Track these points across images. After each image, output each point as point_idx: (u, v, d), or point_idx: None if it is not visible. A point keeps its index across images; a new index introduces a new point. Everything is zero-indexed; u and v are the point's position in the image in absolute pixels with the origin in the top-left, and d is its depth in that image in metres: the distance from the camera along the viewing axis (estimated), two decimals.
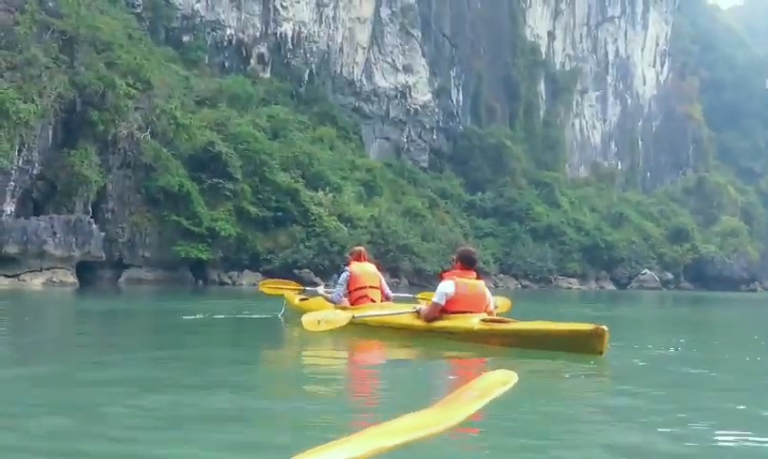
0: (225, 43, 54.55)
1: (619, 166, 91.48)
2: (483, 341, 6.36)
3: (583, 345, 5.80)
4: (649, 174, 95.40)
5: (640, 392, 4.41)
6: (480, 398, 1.82)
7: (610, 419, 3.65)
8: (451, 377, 5.38)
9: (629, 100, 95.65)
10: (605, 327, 5.74)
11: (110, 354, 6.30)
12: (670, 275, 69.91)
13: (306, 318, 7.36)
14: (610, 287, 63.81)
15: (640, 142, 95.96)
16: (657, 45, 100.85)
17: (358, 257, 8.93)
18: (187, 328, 9.23)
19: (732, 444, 3.11)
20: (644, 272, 66.43)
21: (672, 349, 7.42)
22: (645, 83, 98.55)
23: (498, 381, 1.98)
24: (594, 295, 40.85)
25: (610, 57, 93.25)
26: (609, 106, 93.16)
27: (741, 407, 3.97)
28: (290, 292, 10.33)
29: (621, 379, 5.17)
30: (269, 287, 10.82)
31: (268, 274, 38.46)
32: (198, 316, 10.42)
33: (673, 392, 4.51)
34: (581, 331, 5.93)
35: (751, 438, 3.19)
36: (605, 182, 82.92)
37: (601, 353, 5.73)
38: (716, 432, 3.28)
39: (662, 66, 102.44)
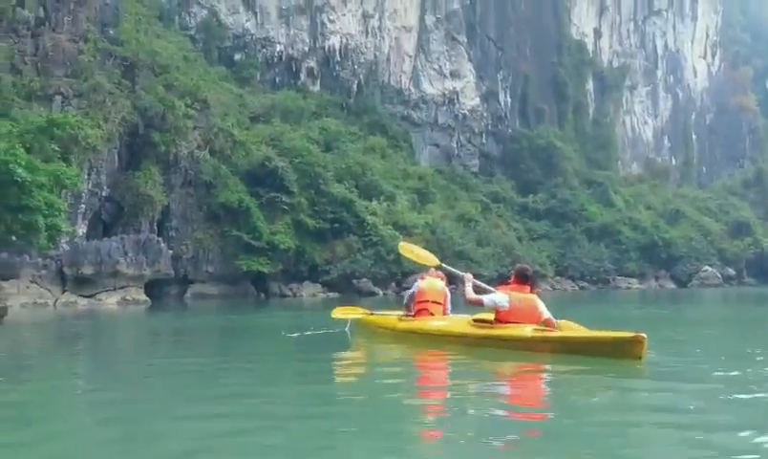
0: (276, 59, 55.81)
1: (673, 162, 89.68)
2: (534, 349, 6.79)
3: (624, 352, 6.18)
4: (704, 168, 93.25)
5: (681, 401, 4.56)
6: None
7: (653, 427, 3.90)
8: (511, 385, 5.80)
9: (680, 94, 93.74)
10: (644, 335, 6.11)
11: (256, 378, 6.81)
12: (732, 271, 67.95)
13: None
14: (671, 285, 62.38)
15: (694, 136, 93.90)
16: (707, 36, 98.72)
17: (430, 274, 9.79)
18: (297, 346, 9.86)
19: None
20: (705, 268, 64.67)
21: (722, 357, 7.34)
22: (696, 76, 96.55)
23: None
24: (654, 295, 40.25)
25: (659, 51, 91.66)
26: (660, 101, 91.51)
27: None
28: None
29: (666, 386, 5.29)
30: (342, 312, 11.02)
31: (327, 286, 39.21)
32: (295, 335, 10.74)
33: (712, 401, 4.56)
34: (622, 338, 6.28)
35: None
36: (659, 178, 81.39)
37: (640, 358, 6.11)
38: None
39: (713, 57, 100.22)
